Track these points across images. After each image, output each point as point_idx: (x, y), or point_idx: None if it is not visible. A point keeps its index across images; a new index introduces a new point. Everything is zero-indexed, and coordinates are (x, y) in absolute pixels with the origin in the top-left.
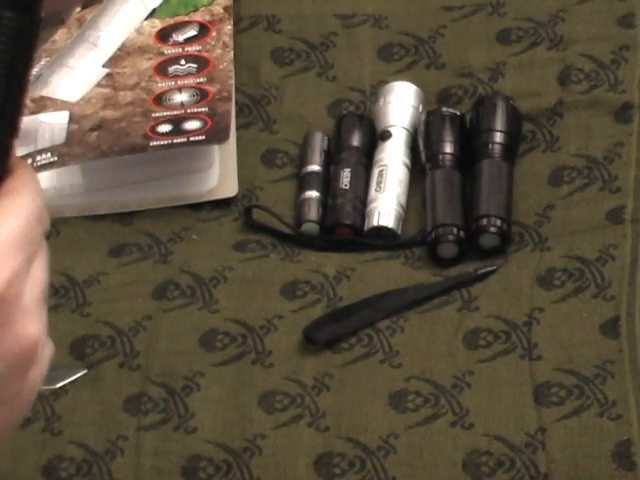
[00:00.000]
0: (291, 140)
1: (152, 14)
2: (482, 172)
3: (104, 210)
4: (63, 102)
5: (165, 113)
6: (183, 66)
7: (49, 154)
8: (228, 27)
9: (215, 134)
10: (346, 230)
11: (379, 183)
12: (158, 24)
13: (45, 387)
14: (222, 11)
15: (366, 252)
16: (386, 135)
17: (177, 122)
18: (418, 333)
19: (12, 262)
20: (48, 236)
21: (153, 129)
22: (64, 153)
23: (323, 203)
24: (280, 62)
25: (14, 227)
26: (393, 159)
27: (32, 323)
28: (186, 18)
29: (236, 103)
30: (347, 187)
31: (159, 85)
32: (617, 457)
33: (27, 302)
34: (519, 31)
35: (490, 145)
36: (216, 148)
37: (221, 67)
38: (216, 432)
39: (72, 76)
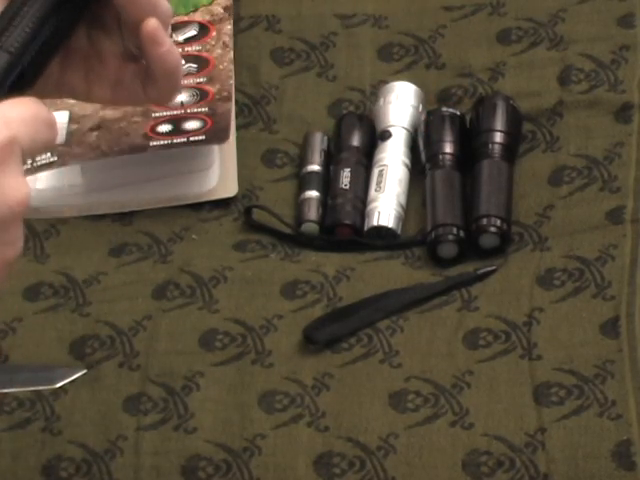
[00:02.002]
0: (291, 140)
1: None
2: (482, 172)
3: (104, 210)
4: (63, 102)
5: (165, 113)
6: (183, 66)
7: (49, 154)
8: (228, 27)
9: (215, 134)
10: (346, 230)
11: (379, 183)
12: None
13: (45, 387)
14: (222, 11)
15: (366, 252)
16: (386, 135)
17: (177, 122)
18: (418, 333)
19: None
20: (48, 236)
21: (153, 129)
22: (64, 153)
23: (323, 203)
24: (280, 62)
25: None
26: (393, 159)
27: None
28: (186, 18)
29: (236, 103)
30: (347, 187)
31: None
32: (617, 457)
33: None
34: (519, 31)
35: (490, 145)
36: (216, 148)
37: (221, 67)
38: (216, 432)
39: None
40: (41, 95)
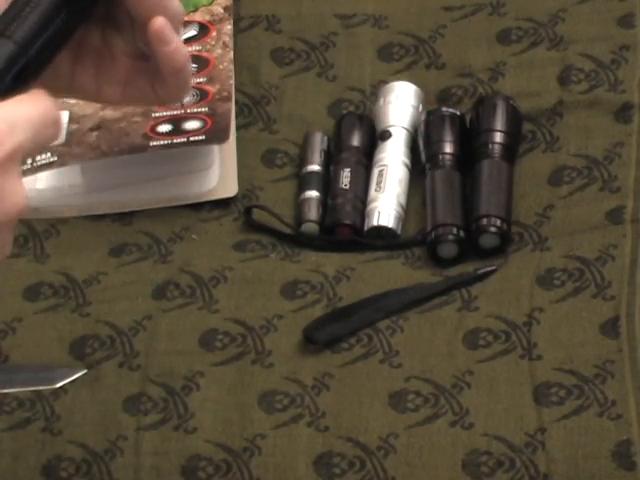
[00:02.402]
0: (291, 140)
1: None
2: (482, 172)
3: (104, 210)
4: (63, 102)
5: (165, 113)
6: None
7: (49, 154)
8: (228, 27)
9: (215, 134)
10: (346, 230)
11: (379, 183)
12: None
13: (45, 387)
14: (222, 11)
15: (366, 252)
16: (386, 135)
17: (177, 122)
18: (418, 333)
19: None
20: (48, 236)
21: (153, 129)
22: (64, 153)
23: (323, 203)
24: (280, 62)
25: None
26: (393, 159)
27: None
28: (186, 18)
29: (236, 103)
30: (347, 187)
31: None
32: (617, 457)
33: None
34: (519, 31)
35: (490, 145)
36: (216, 148)
37: (221, 67)
38: (216, 432)
39: None
40: (52, 94)
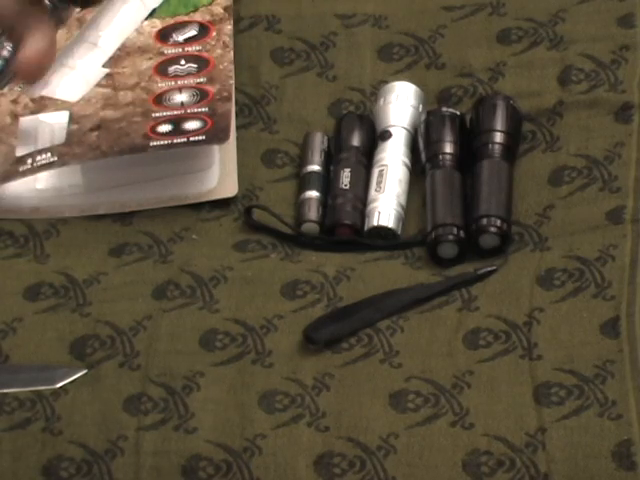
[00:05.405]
0: (291, 140)
1: (152, 14)
2: (482, 172)
3: (104, 210)
4: (63, 102)
5: (165, 113)
6: (183, 66)
7: (49, 154)
8: (228, 27)
9: (215, 134)
10: (346, 230)
11: (379, 183)
12: (158, 24)
13: (45, 387)
14: (222, 11)
15: (366, 252)
16: (386, 135)
17: (177, 122)
18: (418, 333)
19: None
20: (48, 236)
21: (153, 129)
22: (64, 153)
23: (323, 203)
24: (280, 62)
25: None
26: (393, 159)
27: None
28: (186, 18)
29: (236, 103)
30: (347, 187)
31: (159, 85)
32: (617, 457)
33: None
34: (519, 31)
35: (490, 145)
36: (216, 148)
37: (221, 67)
38: (216, 432)
39: (72, 76)
40: None
